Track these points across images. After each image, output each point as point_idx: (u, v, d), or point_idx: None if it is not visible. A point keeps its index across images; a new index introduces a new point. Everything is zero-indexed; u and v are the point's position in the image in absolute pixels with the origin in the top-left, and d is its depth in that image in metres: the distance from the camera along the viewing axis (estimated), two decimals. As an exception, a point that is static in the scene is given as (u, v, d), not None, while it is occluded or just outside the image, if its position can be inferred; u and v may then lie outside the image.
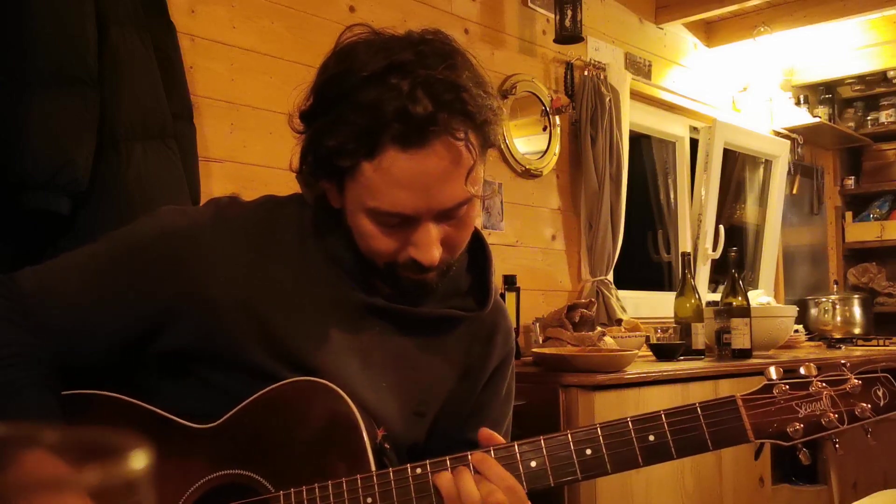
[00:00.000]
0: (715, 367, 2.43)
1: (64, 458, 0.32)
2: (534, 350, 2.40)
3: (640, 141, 3.72)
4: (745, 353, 2.62)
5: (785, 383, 0.98)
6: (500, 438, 0.99)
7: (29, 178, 1.49)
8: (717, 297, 3.07)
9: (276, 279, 1.04)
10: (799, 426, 0.96)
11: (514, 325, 2.37)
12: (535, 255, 3.00)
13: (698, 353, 2.68)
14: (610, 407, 2.02)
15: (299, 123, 1.00)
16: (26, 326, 1.00)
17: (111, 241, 1.07)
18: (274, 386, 1.00)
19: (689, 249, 3.72)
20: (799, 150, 4.38)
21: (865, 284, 4.73)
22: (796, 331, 3.40)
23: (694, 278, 2.87)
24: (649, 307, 3.42)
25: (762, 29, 3.70)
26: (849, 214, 4.85)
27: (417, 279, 1.02)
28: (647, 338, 2.72)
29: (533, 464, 0.96)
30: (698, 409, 0.97)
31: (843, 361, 1.00)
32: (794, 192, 4.46)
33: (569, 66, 3.12)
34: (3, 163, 1.49)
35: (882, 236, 4.67)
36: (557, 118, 3.06)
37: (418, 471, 0.96)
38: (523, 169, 2.94)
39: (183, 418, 1.02)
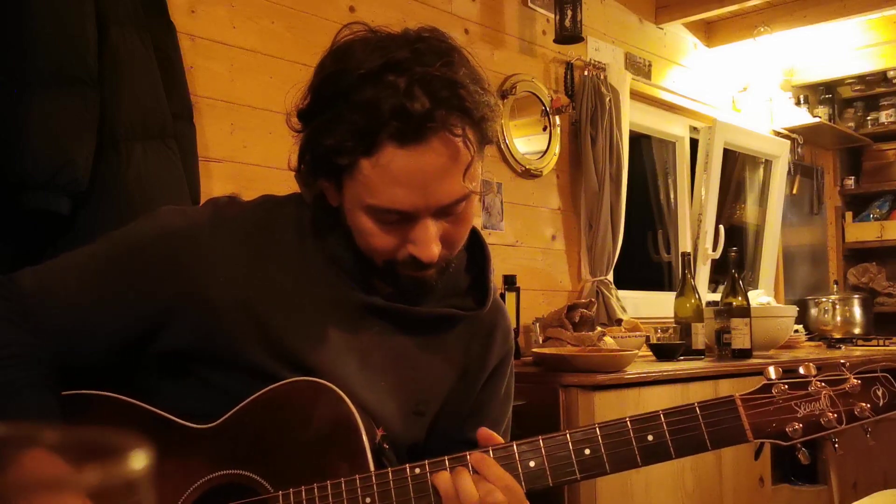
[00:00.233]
0: (715, 367, 2.43)
1: (63, 459, 0.32)
2: (534, 350, 2.40)
3: (640, 141, 3.72)
4: (745, 353, 2.63)
5: (784, 383, 0.98)
6: (498, 438, 0.99)
7: (29, 178, 1.49)
8: (717, 297, 3.07)
9: (275, 279, 1.04)
10: (798, 426, 0.96)
11: (513, 325, 2.37)
12: (535, 255, 3.00)
13: (698, 353, 2.68)
14: (610, 407, 2.02)
15: (297, 122, 1.00)
16: (26, 327, 1.01)
17: (111, 242, 1.07)
18: (273, 386, 1.00)
19: (689, 249, 3.72)
20: (799, 150, 4.38)
21: (865, 284, 4.73)
22: (796, 331, 3.40)
23: (694, 278, 2.87)
24: (649, 307, 3.42)
25: (762, 29, 3.70)
26: (849, 214, 4.85)
27: (417, 277, 1.02)
28: (647, 338, 2.71)
29: (532, 464, 0.96)
30: (697, 409, 0.97)
31: (842, 361, 1.00)
32: (794, 192, 4.45)
33: (569, 66, 3.12)
34: (3, 163, 1.49)
35: (882, 236, 4.67)
36: (557, 118, 3.06)
37: (417, 471, 0.96)
38: (523, 169, 2.94)
39: (183, 418, 1.02)
